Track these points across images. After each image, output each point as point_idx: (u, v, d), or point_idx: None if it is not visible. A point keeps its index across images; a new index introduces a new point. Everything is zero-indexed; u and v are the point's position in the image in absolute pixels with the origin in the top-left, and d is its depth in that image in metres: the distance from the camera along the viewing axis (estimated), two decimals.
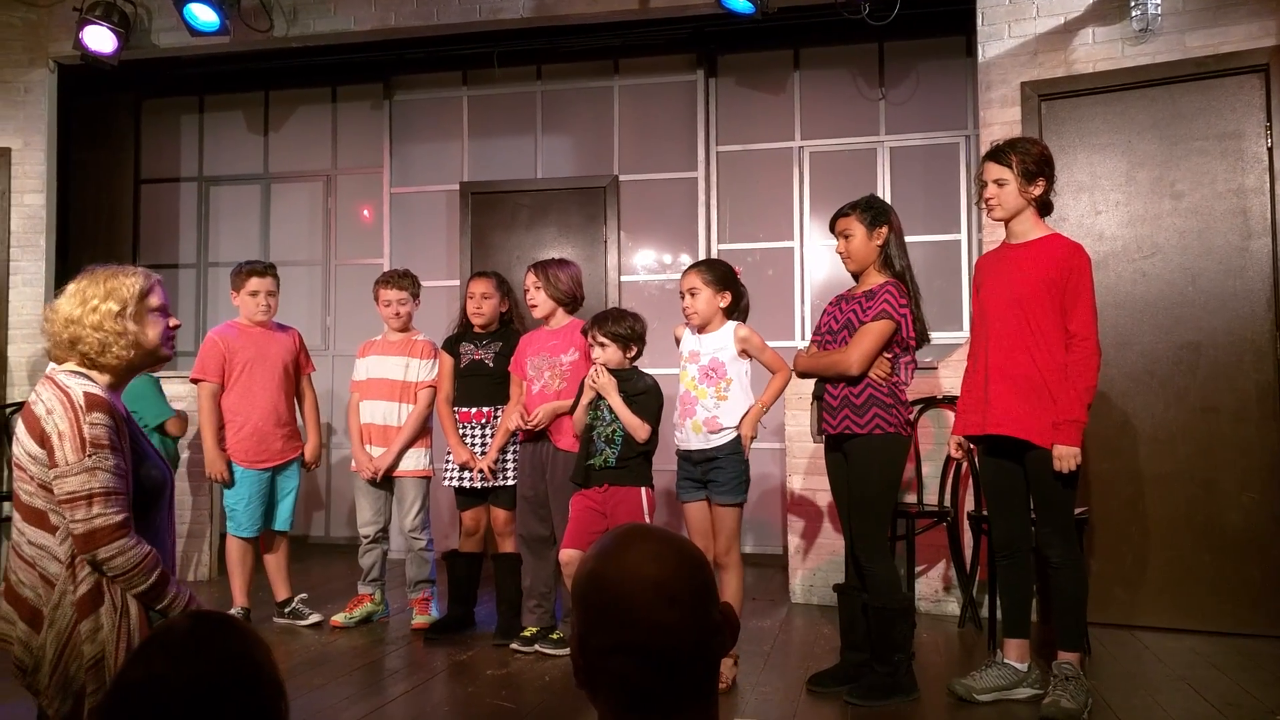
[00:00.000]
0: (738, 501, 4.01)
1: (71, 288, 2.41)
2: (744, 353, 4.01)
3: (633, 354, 4.25)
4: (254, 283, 4.94)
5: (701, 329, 4.07)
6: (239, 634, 1.38)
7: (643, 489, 4.17)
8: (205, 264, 7.70)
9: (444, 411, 4.86)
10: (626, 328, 4.22)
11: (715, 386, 3.99)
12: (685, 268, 4.21)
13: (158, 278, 2.53)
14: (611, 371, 4.18)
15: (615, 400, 4.12)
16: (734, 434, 3.96)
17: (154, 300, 2.46)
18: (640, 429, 4.11)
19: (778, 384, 4.03)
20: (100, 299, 2.37)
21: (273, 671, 1.36)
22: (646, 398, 4.18)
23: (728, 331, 4.03)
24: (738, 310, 4.11)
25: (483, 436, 4.77)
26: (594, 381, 4.15)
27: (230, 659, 1.32)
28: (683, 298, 4.08)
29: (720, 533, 4.03)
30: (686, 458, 4.06)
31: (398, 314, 4.99)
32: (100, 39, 5.96)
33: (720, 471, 3.97)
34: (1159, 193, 4.83)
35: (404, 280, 5.02)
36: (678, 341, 4.21)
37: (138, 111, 7.77)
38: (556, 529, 4.44)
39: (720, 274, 4.06)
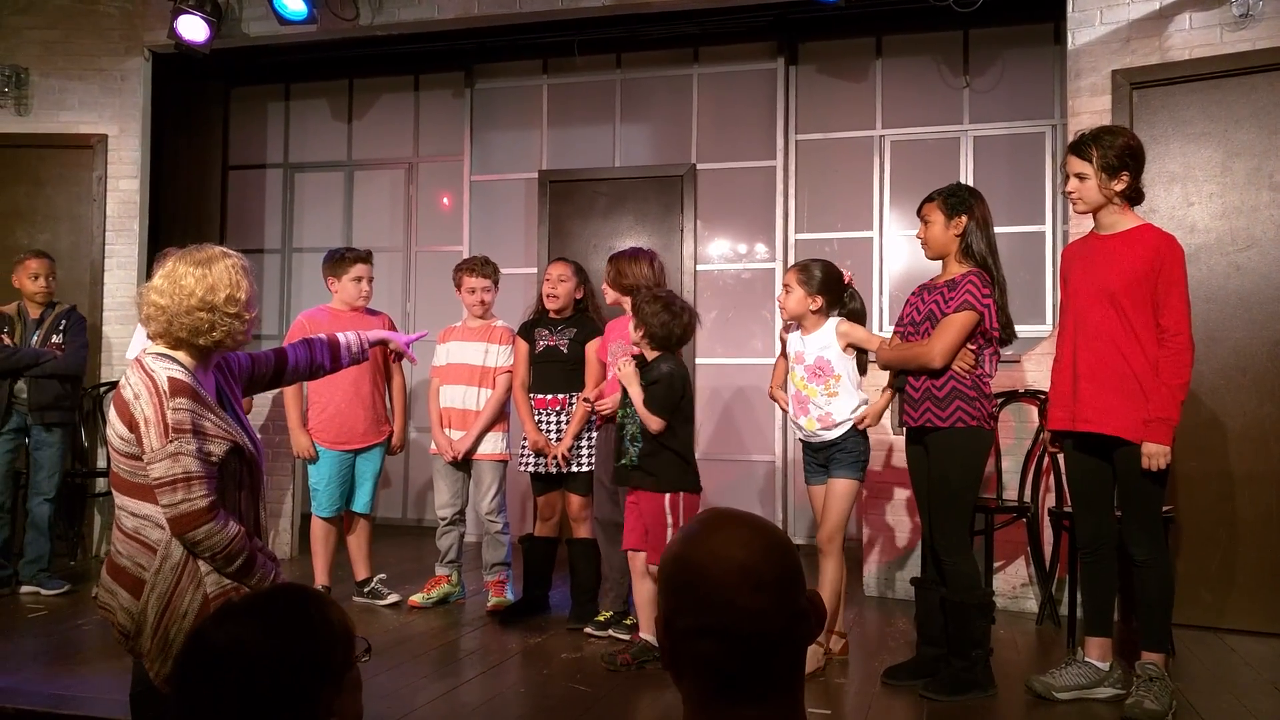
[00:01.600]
0: (856, 476, 4.03)
1: (191, 268, 2.43)
2: (849, 347, 4.04)
3: (654, 357, 4.18)
4: (359, 268, 5.04)
5: (803, 329, 4.12)
6: (309, 609, 1.38)
7: (667, 495, 4.05)
8: (290, 249, 7.86)
9: (519, 397, 4.91)
10: (660, 323, 4.12)
11: (824, 384, 4.03)
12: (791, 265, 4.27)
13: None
14: (639, 360, 4.18)
15: (634, 390, 4.10)
16: (850, 426, 4.00)
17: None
18: (650, 420, 4.04)
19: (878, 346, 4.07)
20: (232, 286, 2.43)
21: (330, 652, 1.35)
22: (657, 387, 4.08)
23: (829, 329, 4.07)
24: (850, 307, 4.13)
25: (558, 422, 4.81)
26: (620, 370, 4.17)
27: (296, 632, 1.33)
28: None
29: (831, 510, 4.02)
30: (809, 446, 4.14)
31: (481, 301, 5.04)
32: (193, 28, 6.12)
33: (843, 453, 4.03)
34: (1256, 184, 4.67)
35: (486, 268, 5.08)
36: (783, 344, 4.23)
37: (226, 99, 7.95)
38: None
39: (815, 277, 4.07)
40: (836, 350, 4.03)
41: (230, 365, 2.63)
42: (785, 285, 4.13)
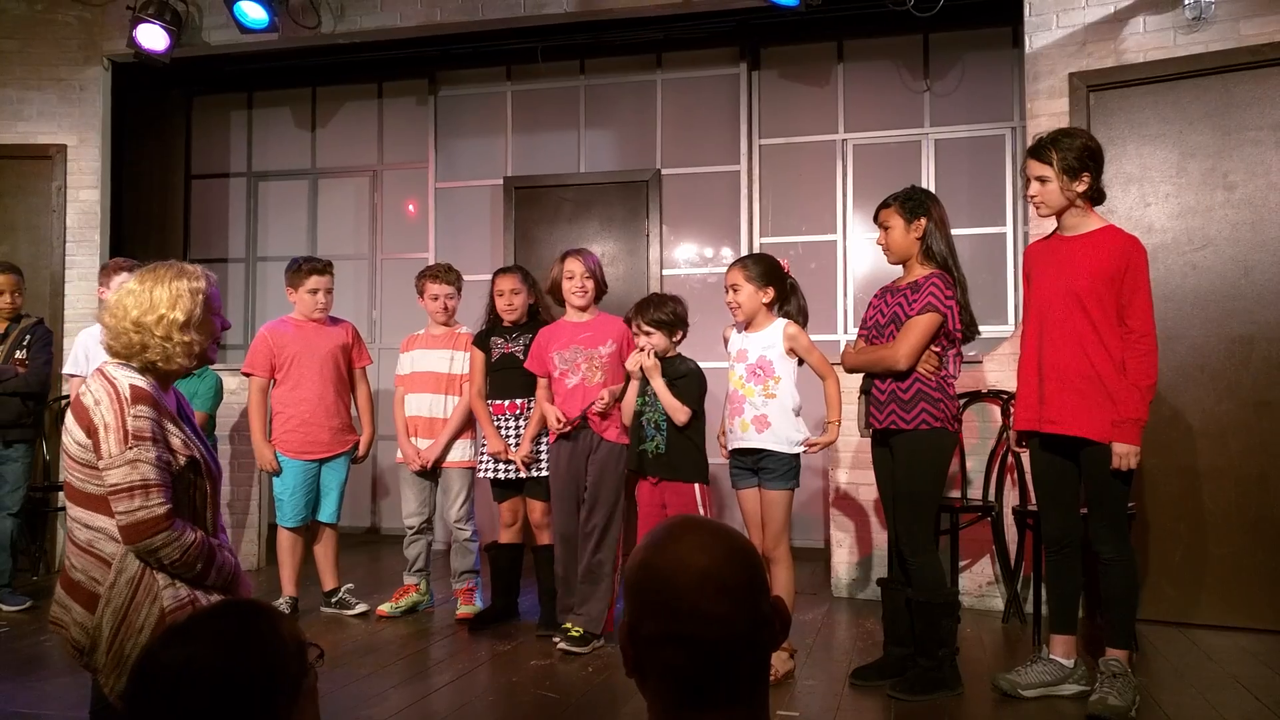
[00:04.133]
0: (788, 486, 4.00)
1: (135, 286, 2.41)
2: (791, 351, 4.00)
3: (678, 338, 4.32)
4: (314, 280, 5.00)
5: (749, 327, 4.08)
6: (257, 623, 1.37)
7: (696, 485, 4.20)
8: (254, 258, 7.81)
9: (478, 404, 4.87)
10: (668, 313, 4.27)
11: (763, 385, 3.99)
12: (729, 264, 4.19)
13: (215, 279, 2.54)
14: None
15: (657, 381, 4.17)
16: (787, 446, 3.96)
17: (214, 305, 2.49)
18: (679, 411, 4.16)
19: (833, 392, 4.01)
20: (168, 305, 2.39)
21: (282, 664, 1.34)
22: (686, 381, 4.22)
23: (776, 330, 4.03)
24: (789, 307, 4.12)
25: (516, 428, 4.79)
26: (642, 362, 4.20)
27: (245, 647, 1.32)
28: (727, 293, 4.10)
29: (770, 520, 4.00)
30: (739, 454, 4.07)
31: (445, 307, 5.04)
32: (153, 37, 6.07)
33: (771, 460, 3.98)
34: (1211, 184, 4.75)
35: (450, 274, 5.08)
36: (726, 343, 4.21)
37: (188, 108, 7.90)
38: (604, 521, 4.43)
39: (762, 269, 4.05)
40: (779, 351, 3.99)
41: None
42: (732, 286, 4.06)
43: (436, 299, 5.03)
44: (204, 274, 2.49)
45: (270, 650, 1.34)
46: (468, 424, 5.02)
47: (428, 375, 5.01)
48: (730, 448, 4.10)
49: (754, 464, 4.03)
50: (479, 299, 6.28)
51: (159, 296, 2.39)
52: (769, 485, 4.01)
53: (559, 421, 4.44)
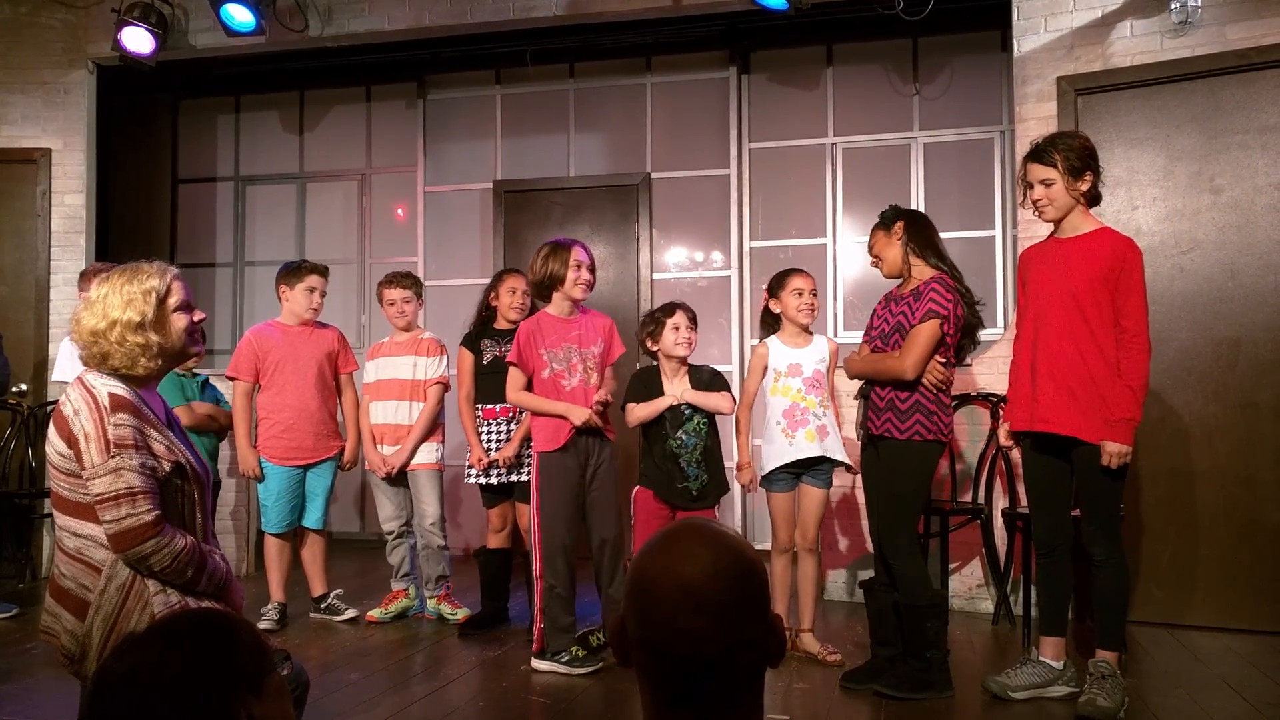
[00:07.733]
0: (828, 485, 4.30)
1: (93, 294, 2.41)
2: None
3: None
4: (313, 279, 5.01)
5: (792, 340, 4.30)
6: (208, 627, 1.36)
7: (714, 508, 4.35)
8: (241, 263, 7.77)
9: (465, 411, 4.84)
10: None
11: (820, 395, 4.26)
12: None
13: (175, 272, 2.49)
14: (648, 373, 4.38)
15: (702, 399, 4.24)
16: (843, 457, 4.24)
17: (174, 299, 2.45)
18: (727, 403, 4.28)
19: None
20: (120, 310, 2.37)
21: (238, 665, 1.32)
22: (718, 378, 4.37)
23: (823, 344, 4.34)
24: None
25: (506, 432, 4.78)
26: (679, 396, 4.24)
27: (198, 651, 1.31)
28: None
29: (808, 515, 4.27)
30: (795, 462, 4.23)
31: (402, 312, 5.03)
32: (138, 40, 6.03)
33: (824, 463, 4.24)
34: (1198, 187, 4.77)
35: (406, 280, 5.08)
36: (759, 359, 4.34)
37: (175, 112, 7.86)
38: (619, 527, 4.29)
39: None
40: (827, 364, 4.31)
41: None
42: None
43: (394, 304, 5.03)
44: (160, 270, 2.45)
45: (222, 653, 1.33)
46: (435, 428, 5.01)
47: (392, 383, 5.01)
48: (792, 458, 4.20)
49: (799, 470, 4.25)
50: (468, 303, 6.25)
51: (111, 303, 2.38)
52: (814, 482, 4.27)
53: (589, 418, 4.17)
